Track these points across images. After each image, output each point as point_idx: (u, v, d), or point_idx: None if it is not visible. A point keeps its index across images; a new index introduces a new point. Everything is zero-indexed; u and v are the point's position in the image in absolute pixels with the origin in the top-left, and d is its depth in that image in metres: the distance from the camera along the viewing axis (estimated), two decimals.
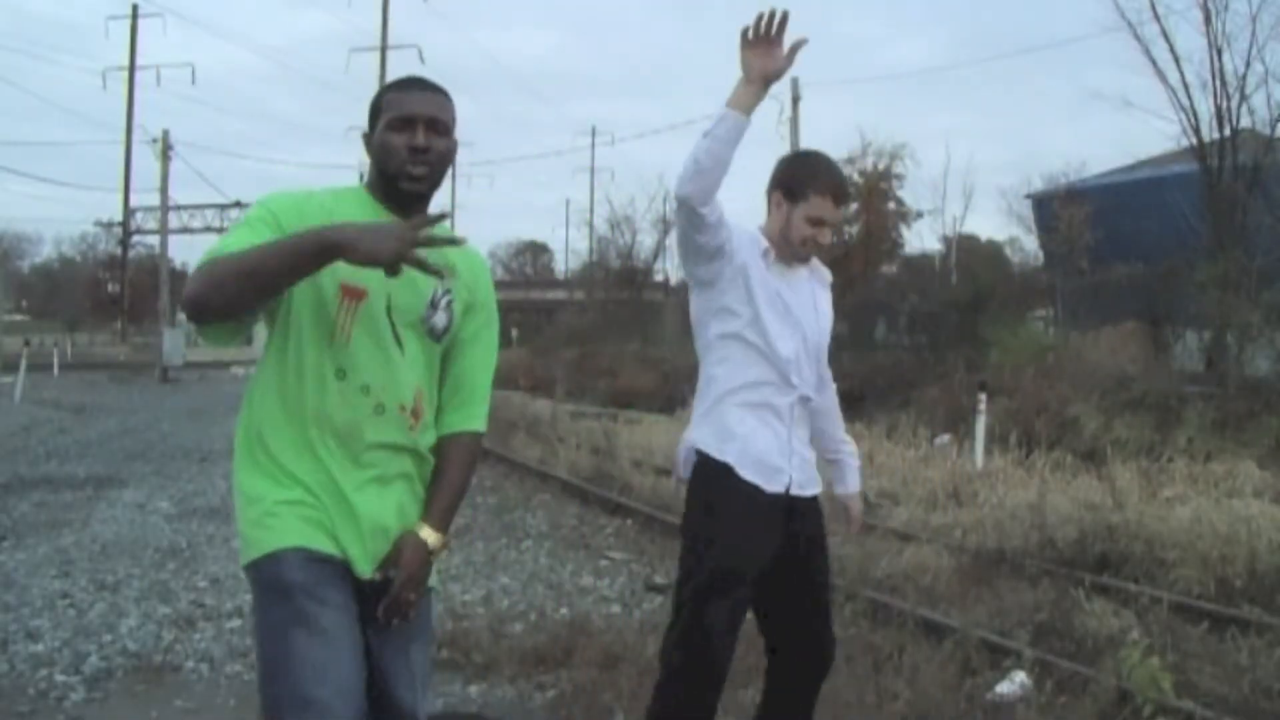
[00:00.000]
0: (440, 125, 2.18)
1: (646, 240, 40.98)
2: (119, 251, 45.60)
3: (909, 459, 10.13)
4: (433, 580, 2.27)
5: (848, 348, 18.37)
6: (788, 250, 2.90)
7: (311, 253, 1.94)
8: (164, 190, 32.14)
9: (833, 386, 3.09)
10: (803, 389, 2.89)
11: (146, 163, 73.07)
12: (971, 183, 49.10)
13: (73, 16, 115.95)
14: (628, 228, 40.98)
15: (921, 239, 55.76)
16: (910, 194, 29.96)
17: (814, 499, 2.95)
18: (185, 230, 38.23)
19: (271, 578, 2.06)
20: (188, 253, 40.58)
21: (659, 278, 42.03)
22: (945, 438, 12.02)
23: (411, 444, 2.21)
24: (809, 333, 2.91)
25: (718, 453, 2.82)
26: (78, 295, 52.48)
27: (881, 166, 28.04)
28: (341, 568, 2.09)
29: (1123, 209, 19.28)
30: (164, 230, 32.56)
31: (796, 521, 2.88)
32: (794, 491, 2.87)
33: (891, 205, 28.69)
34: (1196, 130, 16.54)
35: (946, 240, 32.32)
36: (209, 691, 4.32)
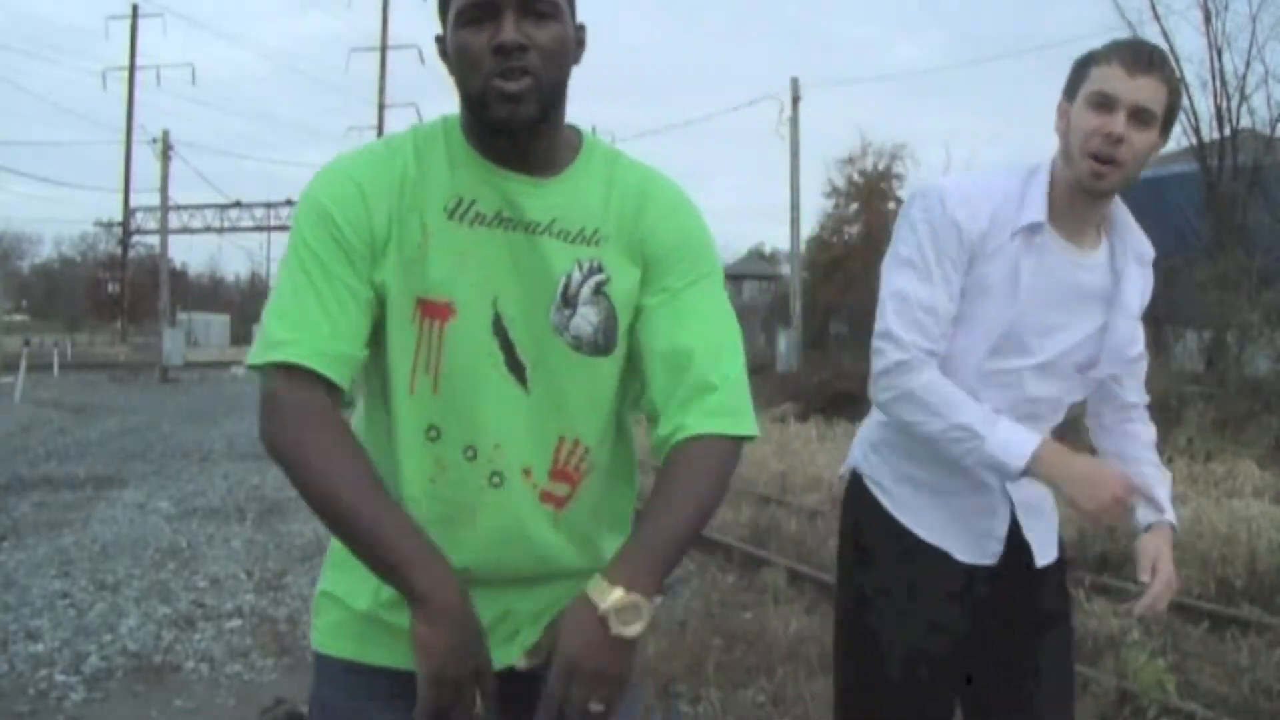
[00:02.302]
0: (543, 3, 1.34)
1: None
2: (119, 251, 45.62)
3: None
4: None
5: (849, 348, 18.31)
6: (1075, 201, 1.88)
7: (388, 583, 1.31)
8: (164, 190, 32.18)
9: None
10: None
11: (146, 163, 73.34)
12: None
13: (73, 16, 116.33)
14: None
15: None
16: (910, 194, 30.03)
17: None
18: (185, 230, 38.24)
19: (314, 684, 1.54)
20: (187, 253, 40.77)
21: None
22: None
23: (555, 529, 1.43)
24: (1074, 353, 1.98)
25: None
26: (78, 295, 52.48)
27: (881, 166, 28.08)
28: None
29: None
30: (164, 230, 32.57)
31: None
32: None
33: (891, 205, 28.69)
34: (1196, 130, 16.56)
35: None
36: (209, 691, 4.32)
